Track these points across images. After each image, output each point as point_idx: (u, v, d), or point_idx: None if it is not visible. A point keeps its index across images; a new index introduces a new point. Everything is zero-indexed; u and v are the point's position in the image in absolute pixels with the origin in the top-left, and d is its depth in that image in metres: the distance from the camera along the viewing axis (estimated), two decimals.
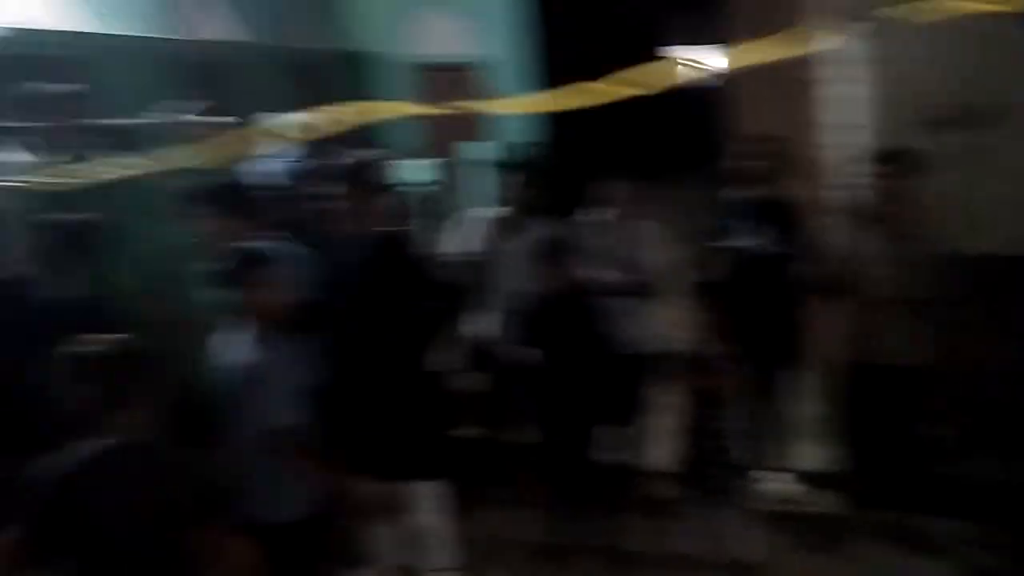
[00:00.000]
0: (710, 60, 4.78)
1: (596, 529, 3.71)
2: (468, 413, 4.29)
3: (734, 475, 3.22)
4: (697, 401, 3.27)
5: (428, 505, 3.40)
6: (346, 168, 3.30)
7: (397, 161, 8.18)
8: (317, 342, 3.35)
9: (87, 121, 4.71)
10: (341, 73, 10.18)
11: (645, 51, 13.42)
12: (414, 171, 7.57)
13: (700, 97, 7.33)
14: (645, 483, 4.27)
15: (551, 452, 3.69)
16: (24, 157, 4.20)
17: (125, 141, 4.80)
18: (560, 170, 7.72)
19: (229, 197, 3.45)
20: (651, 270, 4.10)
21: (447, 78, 10.98)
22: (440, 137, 10.78)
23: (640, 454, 4.31)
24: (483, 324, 4.17)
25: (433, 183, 7.65)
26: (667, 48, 11.48)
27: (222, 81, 8.22)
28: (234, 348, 2.77)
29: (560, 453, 3.64)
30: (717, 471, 3.23)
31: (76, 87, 3.94)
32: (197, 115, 5.09)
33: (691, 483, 3.27)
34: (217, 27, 8.46)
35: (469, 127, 10.61)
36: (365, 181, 3.21)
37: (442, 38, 10.72)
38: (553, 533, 3.76)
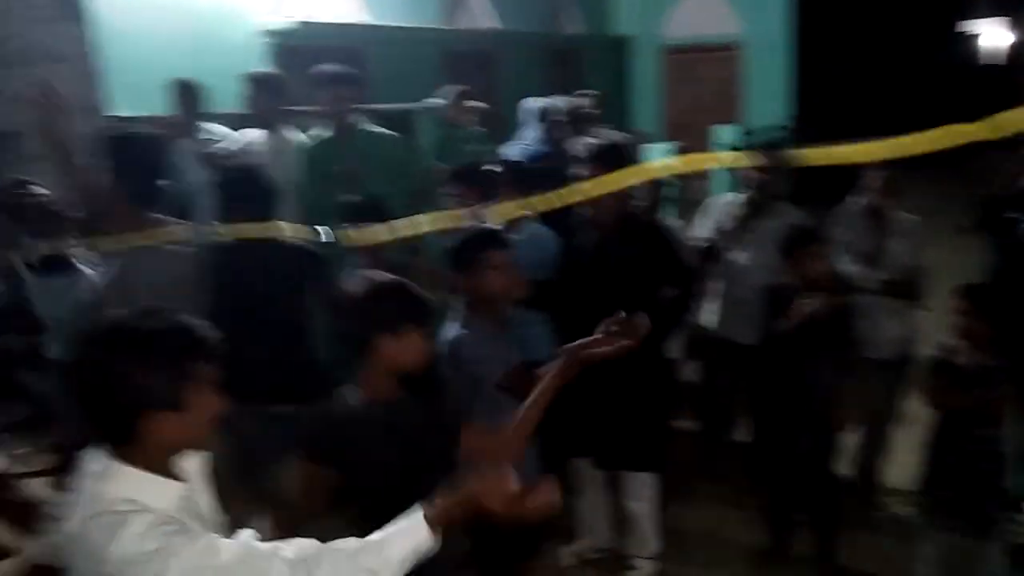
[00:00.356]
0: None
1: (814, 540, 3.42)
2: (687, 404, 4.14)
3: (983, 502, 2.80)
4: (950, 416, 2.87)
5: (638, 494, 3.33)
6: (596, 150, 3.24)
7: (645, 144, 8.08)
8: (552, 323, 3.38)
9: (362, 105, 5.13)
10: (598, 57, 10.26)
11: (905, 30, 12.15)
12: (661, 153, 7.42)
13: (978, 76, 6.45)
14: (879, 499, 3.88)
15: (776, 454, 3.44)
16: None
17: (397, 125, 5.16)
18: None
19: (479, 177, 3.55)
20: (906, 267, 3.68)
21: (705, 59, 10.69)
22: (690, 119, 10.53)
23: (879, 467, 3.92)
24: (710, 313, 3.99)
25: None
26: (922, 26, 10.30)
27: (484, 68, 8.64)
28: (460, 330, 2.62)
29: (787, 456, 3.39)
30: (965, 496, 2.82)
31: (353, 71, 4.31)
32: (458, 100, 5.34)
33: (934, 506, 2.89)
34: (478, 16, 8.85)
35: (723, 110, 10.25)
36: (614, 163, 3.13)
37: (702, 18, 10.42)
38: (766, 538, 3.53)
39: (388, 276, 2.11)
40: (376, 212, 3.11)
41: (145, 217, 2.68)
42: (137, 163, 2.74)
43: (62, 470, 2.41)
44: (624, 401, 3.19)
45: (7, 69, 5.21)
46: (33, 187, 3.28)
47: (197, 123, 4.46)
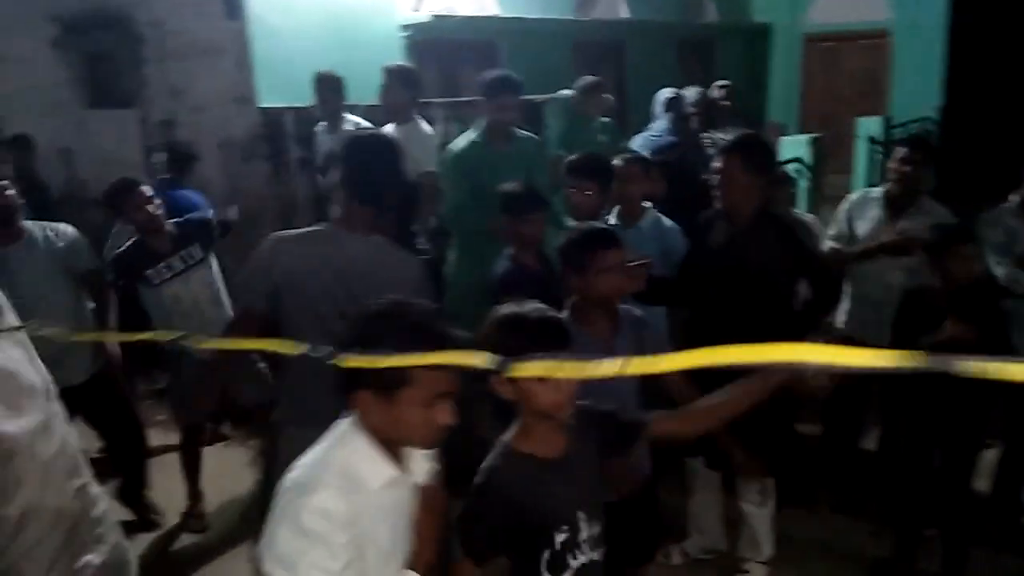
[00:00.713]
0: None
1: (942, 557, 3.23)
2: (813, 408, 3.98)
3: None
4: None
5: (753, 496, 3.25)
6: (729, 142, 3.15)
7: (779, 136, 7.82)
8: (673, 320, 3.32)
9: (493, 99, 5.24)
10: (734, 46, 10.00)
11: None
12: (796, 147, 7.16)
13: None
14: (1018, 517, 3.62)
15: (907, 466, 3.28)
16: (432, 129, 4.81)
17: (528, 116, 5.23)
18: (960, 150, 6.75)
19: (596, 168, 3.54)
20: None
21: (850, 47, 10.21)
22: (831, 110, 10.08)
23: (1019, 484, 3.65)
24: (839, 313, 3.82)
25: (817, 160, 7.17)
26: None
27: (615, 58, 8.61)
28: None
29: (920, 469, 3.22)
30: None
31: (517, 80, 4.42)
32: (588, 91, 5.34)
33: None
34: (611, 7, 8.80)
35: (868, 100, 9.76)
36: (747, 157, 3.04)
37: (848, 5, 9.94)
38: (887, 550, 3.36)
39: (530, 305, 1.78)
40: (538, 202, 3.15)
41: (376, 219, 2.54)
42: (373, 165, 2.50)
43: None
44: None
45: (173, 62, 5.65)
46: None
47: (340, 114, 4.67)
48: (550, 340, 1.69)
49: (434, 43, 7.05)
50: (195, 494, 3.76)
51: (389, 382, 1.43)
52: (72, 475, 1.76)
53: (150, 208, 3.47)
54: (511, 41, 7.40)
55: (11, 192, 3.30)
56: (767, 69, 10.47)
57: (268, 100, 5.75)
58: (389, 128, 4.46)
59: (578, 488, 1.83)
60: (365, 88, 4.70)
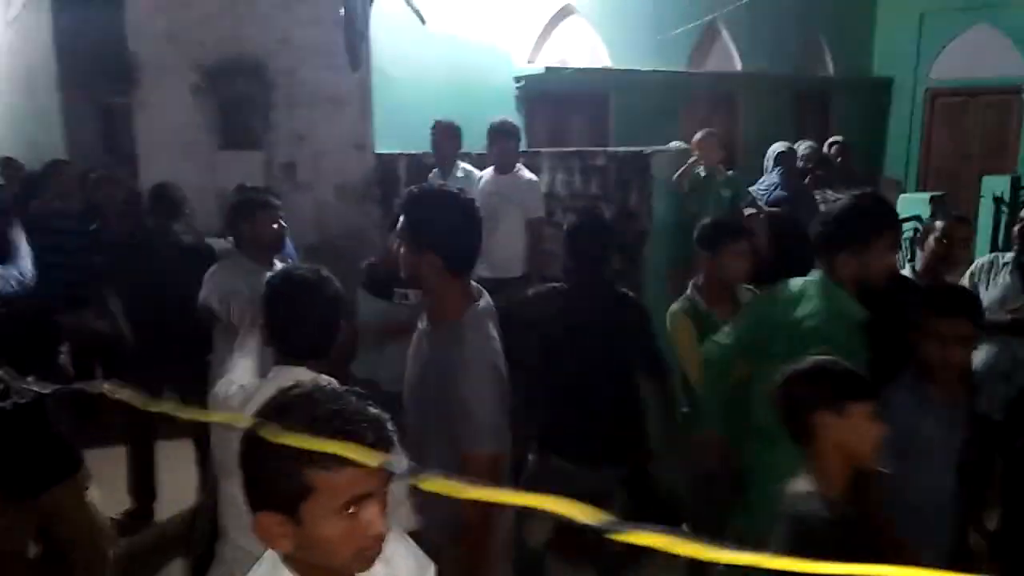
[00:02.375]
0: None
1: None
2: None
3: None
4: None
5: None
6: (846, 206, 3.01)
7: (897, 193, 7.53)
8: None
9: (600, 149, 5.31)
10: (852, 100, 9.75)
11: None
12: (915, 204, 6.88)
13: None
14: None
15: None
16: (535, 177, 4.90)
17: (634, 167, 5.26)
18: None
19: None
20: None
21: (977, 102, 9.79)
22: (954, 168, 9.65)
23: None
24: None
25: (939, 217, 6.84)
26: None
27: (728, 111, 8.54)
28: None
29: None
30: None
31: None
32: (705, 141, 5.31)
33: None
34: (724, 59, 8.77)
35: (995, 158, 9.30)
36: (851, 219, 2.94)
37: (977, 58, 9.55)
38: None
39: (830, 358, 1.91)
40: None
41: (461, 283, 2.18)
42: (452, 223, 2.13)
43: None
44: None
45: (300, 108, 5.97)
46: None
47: (453, 161, 4.82)
48: (858, 390, 1.82)
49: (546, 94, 7.19)
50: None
51: (286, 496, 1.15)
52: None
53: (276, 226, 3.35)
54: (622, 93, 7.47)
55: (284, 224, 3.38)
56: (886, 124, 10.14)
57: (384, 146, 5.98)
58: (488, 175, 4.62)
59: None
60: (478, 137, 4.85)
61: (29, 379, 1.21)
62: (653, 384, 3.10)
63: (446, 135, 4.78)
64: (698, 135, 5.34)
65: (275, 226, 3.33)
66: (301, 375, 1.83)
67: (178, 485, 4.03)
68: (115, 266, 4.19)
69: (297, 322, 1.98)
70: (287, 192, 5.28)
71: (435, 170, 4.96)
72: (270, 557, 1.26)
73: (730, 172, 5.42)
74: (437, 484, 0.83)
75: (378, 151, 6.00)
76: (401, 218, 2.12)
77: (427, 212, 2.09)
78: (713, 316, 3.00)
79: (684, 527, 2.60)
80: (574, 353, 2.88)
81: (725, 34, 8.60)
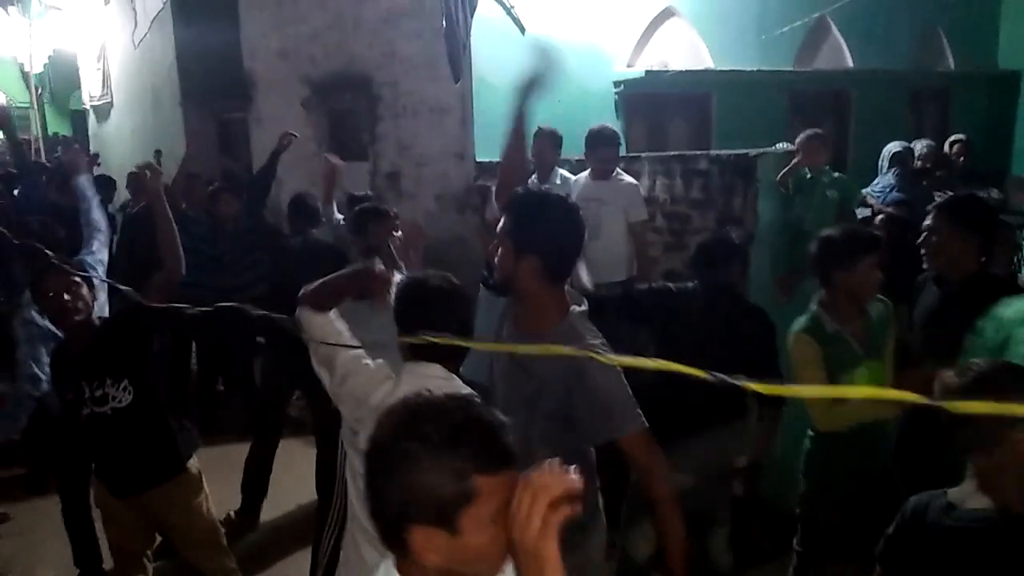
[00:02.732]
0: None
1: None
2: None
3: None
4: None
5: None
6: (939, 203, 2.92)
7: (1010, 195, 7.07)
8: None
9: (702, 152, 5.21)
10: (974, 95, 9.23)
11: None
12: None
13: None
14: None
15: None
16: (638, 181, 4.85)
17: (739, 169, 5.13)
18: None
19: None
20: None
21: None
22: None
23: None
24: None
25: None
26: None
27: (838, 109, 8.22)
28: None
29: None
30: None
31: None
32: (808, 143, 5.14)
33: None
34: (835, 55, 8.45)
35: None
36: (966, 219, 2.81)
37: None
38: None
39: None
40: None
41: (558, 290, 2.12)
42: (556, 227, 2.05)
43: None
44: None
45: (404, 119, 6.13)
46: None
47: (552, 168, 4.83)
48: None
49: (646, 97, 7.11)
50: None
51: (447, 504, 1.13)
52: None
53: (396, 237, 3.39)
54: (725, 94, 7.30)
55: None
56: (1014, 120, 9.53)
57: (484, 154, 6.05)
58: (585, 180, 4.62)
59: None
60: (577, 142, 4.84)
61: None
62: (765, 407, 2.95)
63: (547, 143, 4.79)
64: (801, 136, 5.17)
65: (396, 234, 3.42)
66: (435, 372, 1.96)
67: (282, 485, 4.18)
68: (267, 271, 4.42)
69: (432, 327, 1.92)
70: (391, 201, 5.42)
71: (533, 177, 4.99)
72: (384, 567, 1.25)
73: (837, 174, 5.21)
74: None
75: (478, 159, 6.08)
76: (503, 219, 2.07)
77: (531, 215, 2.03)
78: (842, 336, 2.77)
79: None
80: (687, 358, 2.71)
81: (835, 30, 8.28)
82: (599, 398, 1.95)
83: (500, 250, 2.06)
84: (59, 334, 2.99)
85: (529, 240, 2.00)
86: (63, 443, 3.44)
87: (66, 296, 2.66)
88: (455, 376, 2.01)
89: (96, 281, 3.04)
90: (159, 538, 3.11)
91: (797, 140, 5.21)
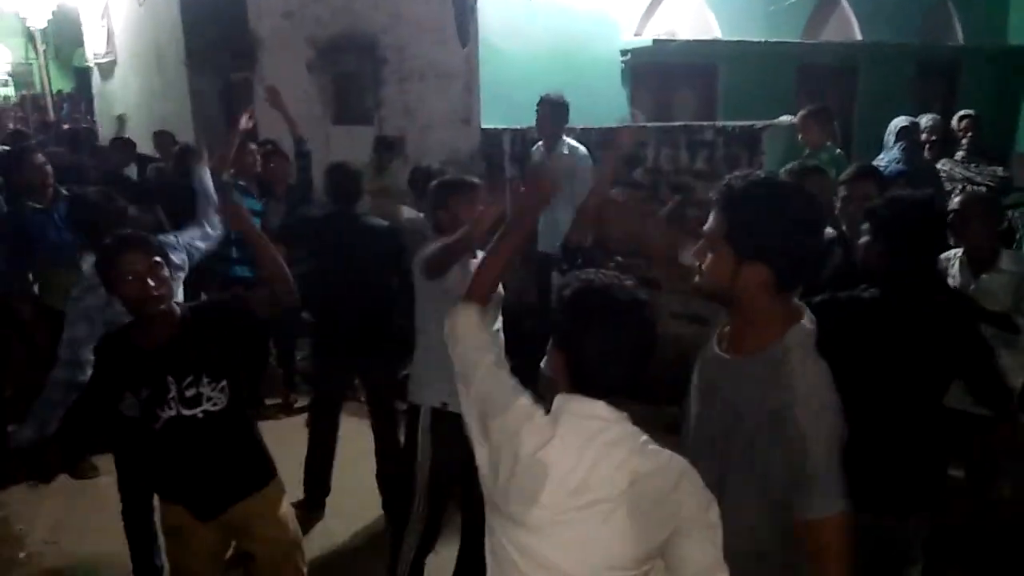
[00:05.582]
0: None
1: None
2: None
3: None
4: None
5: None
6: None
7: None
8: None
9: (708, 123, 5.22)
10: (981, 70, 9.17)
11: None
12: None
13: None
14: None
15: None
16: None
17: (744, 141, 5.13)
18: None
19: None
20: None
21: None
22: None
23: None
24: None
25: None
26: None
27: (845, 82, 8.18)
28: None
29: None
30: None
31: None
32: (806, 119, 5.11)
33: None
34: (842, 27, 8.39)
35: None
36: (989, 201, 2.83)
37: None
38: None
39: None
40: None
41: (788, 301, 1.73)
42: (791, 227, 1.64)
43: None
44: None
45: (409, 83, 6.11)
46: None
47: (558, 136, 4.83)
48: None
49: (653, 67, 7.08)
50: None
51: None
52: None
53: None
54: (732, 65, 7.27)
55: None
56: (1021, 96, 9.48)
57: (489, 121, 6.05)
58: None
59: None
60: (583, 111, 4.84)
61: None
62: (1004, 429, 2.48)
63: (554, 110, 4.78)
64: (800, 113, 5.15)
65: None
66: (600, 413, 1.51)
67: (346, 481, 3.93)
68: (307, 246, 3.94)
69: (608, 354, 1.50)
70: (397, 167, 5.43)
71: (538, 144, 4.99)
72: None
73: (839, 151, 5.20)
74: None
75: (484, 126, 6.08)
76: (713, 215, 1.66)
77: (762, 212, 1.58)
78: None
79: None
80: (882, 383, 2.14)
81: (843, 2, 8.23)
82: (797, 455, 1.54)
83: (710, 256, 1.64)
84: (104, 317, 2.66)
85: (757, 243, 1.58)
86: (125, 448, 3.07)
87: (150, 280, 2.28)
88: (625, 417, 1.53)
89: (177, 261, 2.77)
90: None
91: (797, 117, 5.19)
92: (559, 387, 1.56)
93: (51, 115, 11.33)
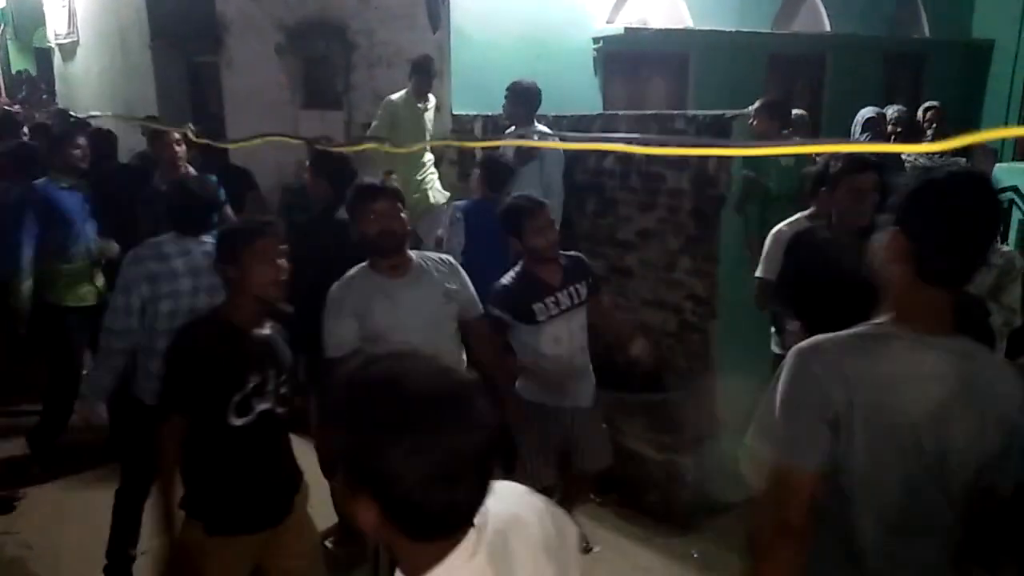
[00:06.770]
0: None
1: None
2: None
3: None
4: None
5: None
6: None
7: (993, 163, 7.18)
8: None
9: (679, 112, 5.23)
10: (947, 63, 9.30)
11: None
12: (1012, 174, 6.56)
13: None
14: None
15: None
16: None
17: (714, 131, 5.14)
18: None
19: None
20: None
21: None
22: None
23: None
24: None
25: None
26: None
27: (814, 73, 8.25)
28: None
29: None
30: None
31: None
32: (763, 111, 5.15)
33: None
34: (812, 19, 8.46)
35: None
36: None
37: None
38: None
39: None
40: None
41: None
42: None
43: None
44: None
45: (379, 69, 6.04)
46: None
47: (529, 123, 4.81)
48: None
49: (625, 55, 7.08)
50: None
51: None
52: None
53: (551, 234, 3.03)
54: (703, 54, 7.29)
55: (404, 216, 2.76)
56: (984, 89, 9.64)
57: (460, 107, 6.00)
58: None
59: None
60: (555, 99, 4.82)
61: None
62: None
63: (524, 97, 4.76)
64: (754, 104, 5.19)
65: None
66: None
67: None
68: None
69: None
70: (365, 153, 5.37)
71: (509, 131, 4.97)
72: None
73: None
74: None
75: (454, 112, 6.03)
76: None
77: (928, 207, 1.46)
78: None
79: None
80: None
81: None
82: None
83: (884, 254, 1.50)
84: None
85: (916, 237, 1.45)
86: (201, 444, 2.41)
87: (281, 263, 2.23)
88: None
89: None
90: None
91: (756, 105, 5.23)
92: None
93: (3, 95, 10.98)
